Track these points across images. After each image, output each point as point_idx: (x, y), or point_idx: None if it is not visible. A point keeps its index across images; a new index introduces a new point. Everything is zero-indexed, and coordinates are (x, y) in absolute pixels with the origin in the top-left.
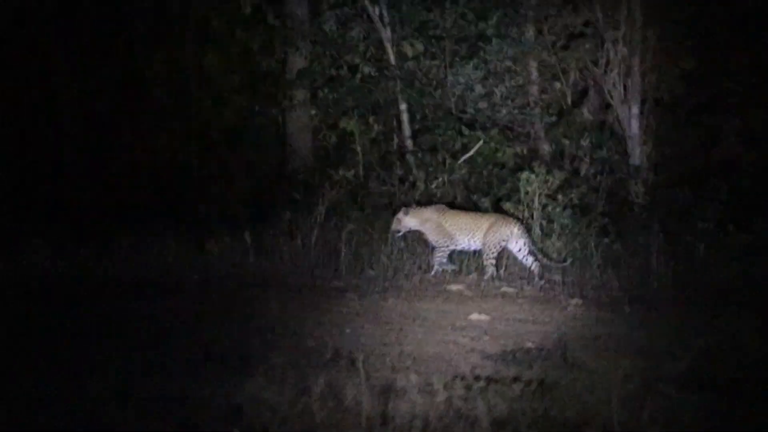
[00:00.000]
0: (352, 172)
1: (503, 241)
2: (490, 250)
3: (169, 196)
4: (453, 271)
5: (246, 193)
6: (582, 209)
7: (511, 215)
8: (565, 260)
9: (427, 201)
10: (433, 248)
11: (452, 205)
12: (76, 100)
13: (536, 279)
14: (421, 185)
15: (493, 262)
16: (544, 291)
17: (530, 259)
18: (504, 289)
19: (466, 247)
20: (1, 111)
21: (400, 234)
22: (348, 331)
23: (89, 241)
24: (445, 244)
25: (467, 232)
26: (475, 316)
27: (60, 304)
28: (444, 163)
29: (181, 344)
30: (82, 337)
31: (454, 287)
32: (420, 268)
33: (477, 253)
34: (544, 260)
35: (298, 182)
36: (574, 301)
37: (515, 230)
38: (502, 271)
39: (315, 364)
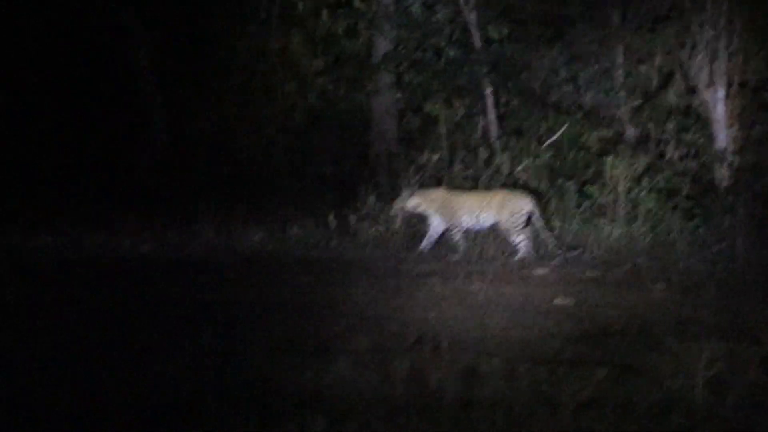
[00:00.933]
0: (437, 155)
1: (522, 212)
2: (513, 225)
3: (253, 179)
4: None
5: (330, 177)
6: (667, 193)
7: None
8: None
9: (512, 184)
10: (436, 231)
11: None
12: (159, 84)
13: (557, 252)
14: (505, 169)
15: (523, 238)
16: (628, 275)
17: (547, 233)
18: (588, 273)
19: (475, 226)
20: (84, 99)
21: (402, 214)
22: (432, 315)
23: (174, 225)
24: (452, 224)
25: (474, 211)
26: (559, 301)
27: (142, 286)
28: (529, 146)
29: (263, 328)
30: (161, 319)
31: (538, 271)
32: (504, 252)
33: (553, 238)
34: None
35: (383, 166)
36: (659, 285)
37: (530, 201)
38: (578, 253)
39: (398, 349)
